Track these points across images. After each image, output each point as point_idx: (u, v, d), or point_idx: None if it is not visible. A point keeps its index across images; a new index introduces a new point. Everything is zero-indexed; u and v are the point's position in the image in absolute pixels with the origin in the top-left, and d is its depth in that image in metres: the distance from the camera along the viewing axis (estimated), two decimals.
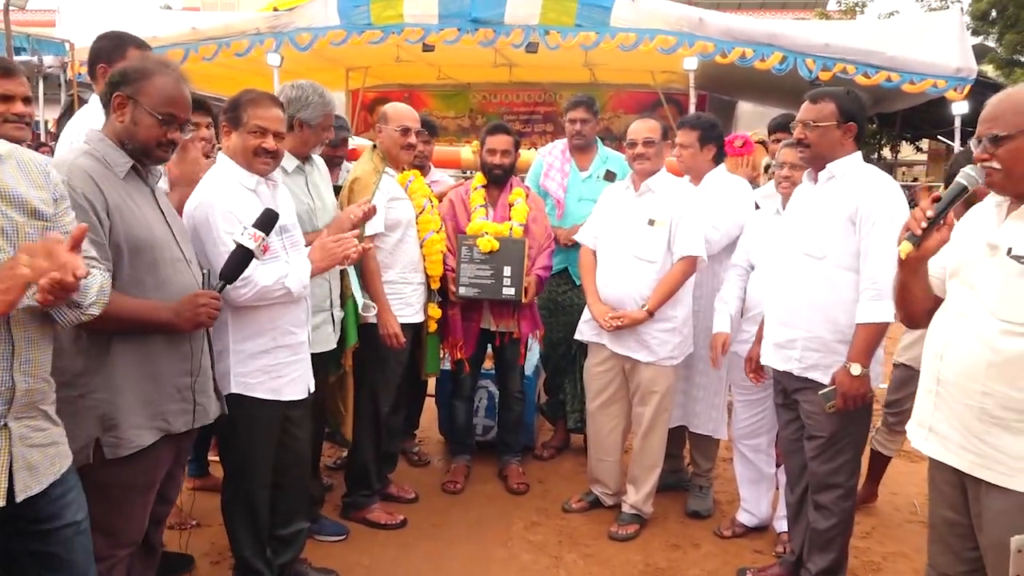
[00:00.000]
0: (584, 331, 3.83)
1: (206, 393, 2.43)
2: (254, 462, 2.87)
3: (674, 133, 3.95)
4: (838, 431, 2.89)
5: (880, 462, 4.02)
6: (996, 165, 2.00)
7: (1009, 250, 1.96)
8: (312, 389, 3.02)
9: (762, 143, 4.67)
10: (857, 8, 20.94)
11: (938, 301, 2.24)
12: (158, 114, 2.22)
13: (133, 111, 2.22)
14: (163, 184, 2.63)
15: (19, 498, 1.75)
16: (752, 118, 13.55)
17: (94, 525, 2.05)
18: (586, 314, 3.80)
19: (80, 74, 9.04)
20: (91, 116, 2.95)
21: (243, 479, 2.88)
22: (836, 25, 13.92)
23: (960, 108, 8.90)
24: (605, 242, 3.73)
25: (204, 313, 2.29)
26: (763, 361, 3.17)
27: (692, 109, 9.28)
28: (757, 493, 3.73)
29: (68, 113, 8.47)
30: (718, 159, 3.98)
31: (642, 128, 3.65)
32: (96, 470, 2.13)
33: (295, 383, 2.90)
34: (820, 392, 2.81)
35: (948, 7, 17.86)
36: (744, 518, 3.74)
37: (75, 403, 2.08)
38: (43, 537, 1.88)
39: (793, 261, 2.97)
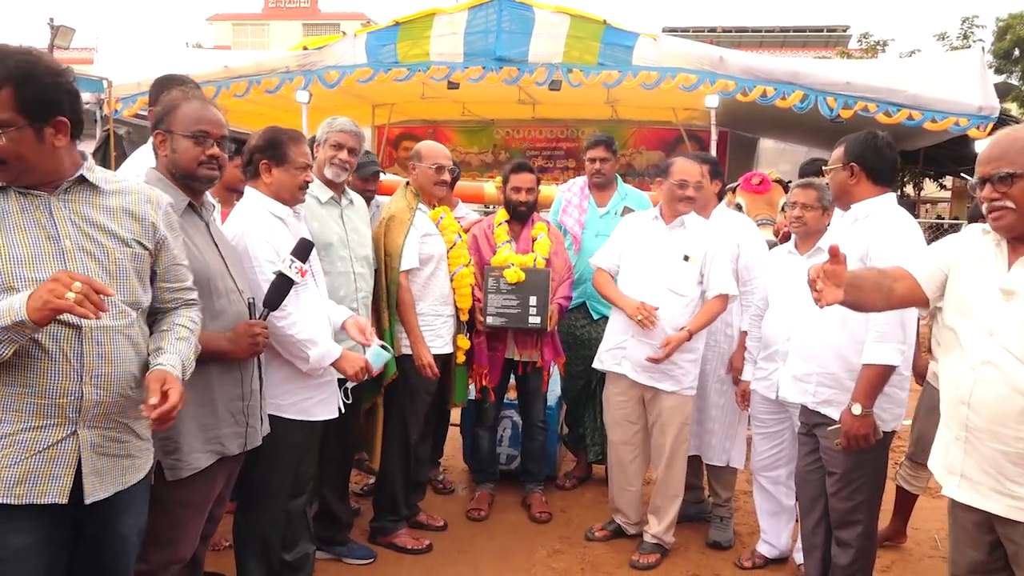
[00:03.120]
0: (605, 360, 3.88)
1: (256, 415, 2.58)
2: (276, 485, 2.97)
3: (721, 170, 4.09)
4: (852, 468, 2.94)
5: (907, 499, 4.01)
6: (1010, 204, 2.00)
7: None
8: (343, 410, 3.14)
9: (779, 182, 4.79)
10: (879, 47, 21.07)
11: (891, 302, 2.29)
12: (191, 134, 2.39)
13: (171, 142, 2.40)
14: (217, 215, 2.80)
15: (88, 500, 1.90)
16: (773, 155, 13.64)
17: (153, 539, 2.23)
18: (606, 343, 3.86)
19: (116, 110, 9.31)
20: (147, 156, 3.13)
21: (261, 503, 2.97)
22: (858, 64, 14.02)
23: (983, 146, 8.94)
24: (635, 273, 3.78)
25: (258, 341, 2.45)
26: (781, 393, 3.25)
27: (714, 146, 9.39)
28: (777, 525, 3.78)
29: (104, 147, 8.76)
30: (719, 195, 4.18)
31: (694, 171, 3.74)
32: (159, 488, 2.26)
33: (324, 404, 3.03)
34: (829, 428, 2.87)
35: (970, 46, 17.92)
36: (764, 549, 3.79)
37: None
38: (96, 541, 2.02)
39: (809, 297, 3.04)
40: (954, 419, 2.17)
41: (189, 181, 2.43)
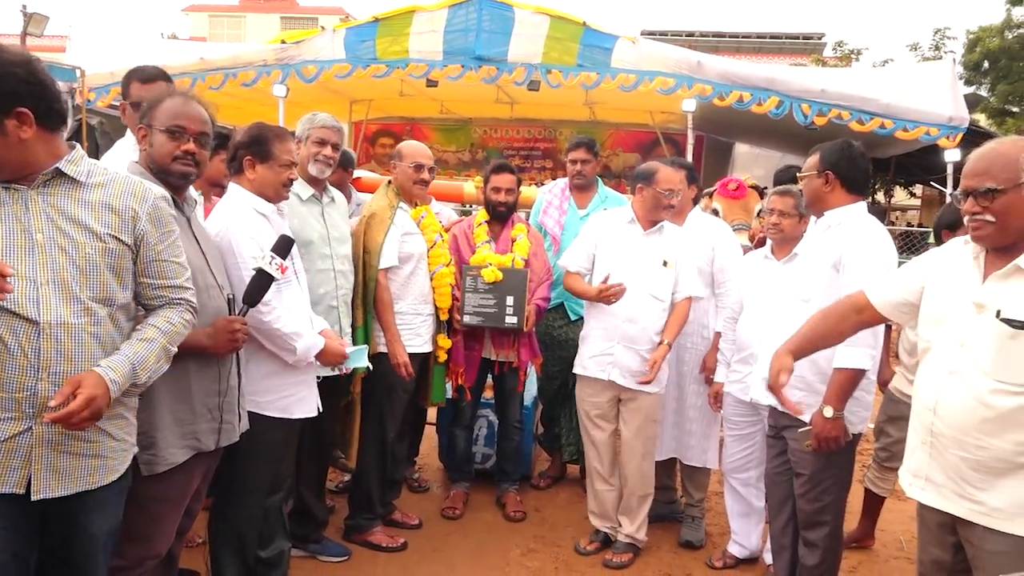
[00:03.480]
0: (589, 367, 3.83)
1: (233, 412, 2.57)
2: (253, 481, 2.96)
3: (696, 177, 4.13)
4: (820, 470, 2.99)
5: (874, 502, 4.08)
6: (990, 218, 2.06)
7: (998, 312, 2.03)
8: (321, 409, 3.14)
9: (755, 187, 4.86)
10: (853, 55, 21.34)
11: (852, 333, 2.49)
12: (167, 129, 2.39)
13: (151, 135, 2.41)
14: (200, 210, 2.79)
15: (35, 497, 1.89)
16: (748, 159, 13.78)
17: (129, 534, 2.21)
18: (590, 349, 3.83)
19: (89, 100, 9.19)
20: (126, 149, 3.11)
21: (238, 499, 2.96)
22: (832, 72, 14.18)
23: (952, 156, 9.10)
24: (615, 278, 3.71)
25: (237, 338, 2.44)
26: (752, 395, 3.31)
27: (690, 150, 9.47)
28: (747, 526, 3.84)
29: (75, 137, 8.64)
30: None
31: (677, 179, 3.78)
32: (134, 484, 2.25)
33: (304, 402, 3.03)
34: (799, 430, 2.90)
35: (941, 57, 18.21)
36: (735, 549, 3.85)
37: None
38: (65, 539, 2.02)
39: (784, 301, 3.11)
40: (921, 424, 2.25)
41: (164, 176, 2.41)
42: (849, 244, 2.89)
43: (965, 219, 2.15)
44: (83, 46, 10.80)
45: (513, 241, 4.21)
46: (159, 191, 2.20)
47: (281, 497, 3.23)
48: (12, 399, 1.85)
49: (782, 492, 3.20)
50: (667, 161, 4.06)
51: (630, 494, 3.87)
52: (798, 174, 3.15)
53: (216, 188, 3.39)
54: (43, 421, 1.86)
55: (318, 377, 3.17)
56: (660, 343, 3.71)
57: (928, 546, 2.32)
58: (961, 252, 2.24)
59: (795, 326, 2.98)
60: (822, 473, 2.99)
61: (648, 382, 3.68)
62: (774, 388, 2.49)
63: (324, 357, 2.99)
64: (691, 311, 3.88)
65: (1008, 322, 1.99)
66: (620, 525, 3.93)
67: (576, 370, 3.95)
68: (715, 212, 4.70)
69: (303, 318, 2.96)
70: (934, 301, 2.26)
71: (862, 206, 3.02)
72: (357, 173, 5.13)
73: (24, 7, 10.04)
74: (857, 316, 2.47)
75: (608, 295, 3.65)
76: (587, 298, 3.82)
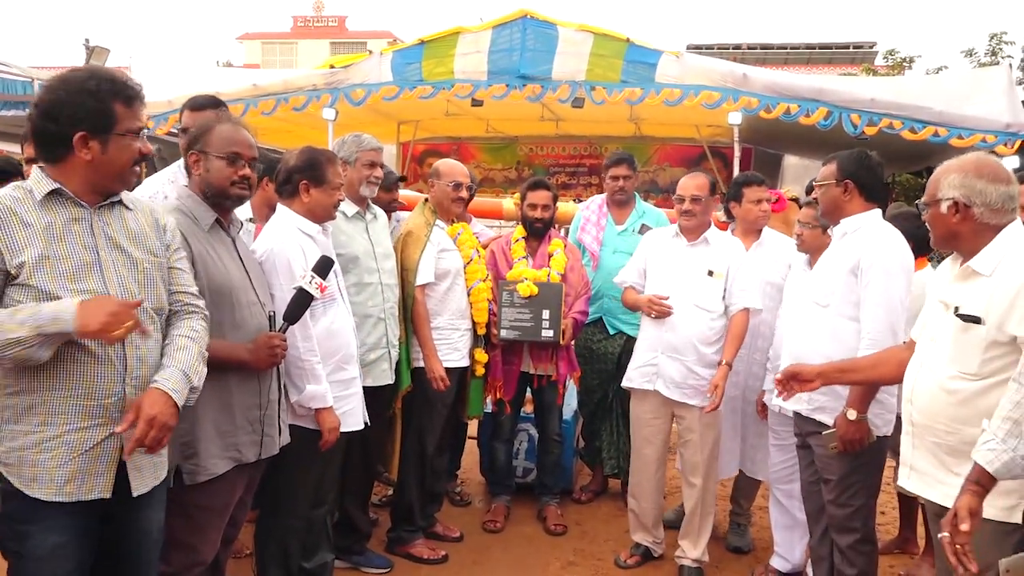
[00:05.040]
0: (634, 379, 3.85)
1: (274, 425, 2.66)
2: (298, 493, 3.05)
3: (720, 188, 4.11)
4: (847, 474, 2.98)
5: (909, 505, 4.02)
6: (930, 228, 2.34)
7: (956, 308, 2.26)
8: (369, 422, 3.22)
9: (795, 200, 4.82)
10: (905, 64, 20.92)
11: None
12: (224, 155, 2.50)
13: (205, 162, 2.52)
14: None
15: (136, 494, 2.05)
16: (798, 171, 13.53)
17: (174, 542, 2.34)
18: (635, 361, 3.86)
19: (148, 128, 9.52)
20: (168, 176, 3.27)
21: (283, 510, 3.06)
22: (883, 81, 13.95)
23: (1011, 163, 8.86)
24: (661, 290, 3.76)
25: (277, 353, 2.53)
26: (775, 401, 3.31)
27: (737, 163, 9.39)
28: (791, 539, 3.79)
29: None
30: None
31: (690, 184, 3.77)
32: (179, 493, 2.36)
33: (349, 415, 3.11)
34: (824, 433, 2.92)
35: (998, 62, 17.75)
36: (777, 563, 3.80)
37: None
38: (126, 538, 2.13)
39: (804, 308, 3.14)
40: (905, 415, 2.44)
41: (221, 199, 2.54)
42: (867, 250, 2.94)
43: None
44: (142, 76, 11.20)
45: (550, 256, 4.26)
46: (172, 220, 2.32)
47: (326, 510, 3.32)
48: (100, 405, 1.98)
49: (817, 501, 3.18)
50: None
51: (692, 513, 3.79)
52: (814, 183, 3.16)
53: (271, 211, 3.51)
54: (125, 436, 1.97)
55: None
56: (720, 363, 3.64)
57: (935, 534, 2.38)
58: (949, 259, 2.46)
59: (812, 332, 3.03)
60: (849, 477, 2.99)
61: (714, 408, 3.61)
62: (781, 380, 2.77)
63: (323, 417, 2.94)
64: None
65: (962, 317, 2.23)
66: (662, 540, 3.92)
67: (624, 383, 3.95)
68: None
69: (347, 342, 3.07)
70: (925, 305, 2.49)
71: (878, 213, 3.06)
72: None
73: (87, 40, 10.50)
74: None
75: (654, 306, 3.67)
76: (639, 308, 3.84)
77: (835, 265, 3.04)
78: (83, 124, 1.97)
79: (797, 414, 3.16)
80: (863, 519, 3.03)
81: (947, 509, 2.21)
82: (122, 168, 2.06)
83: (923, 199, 2.38)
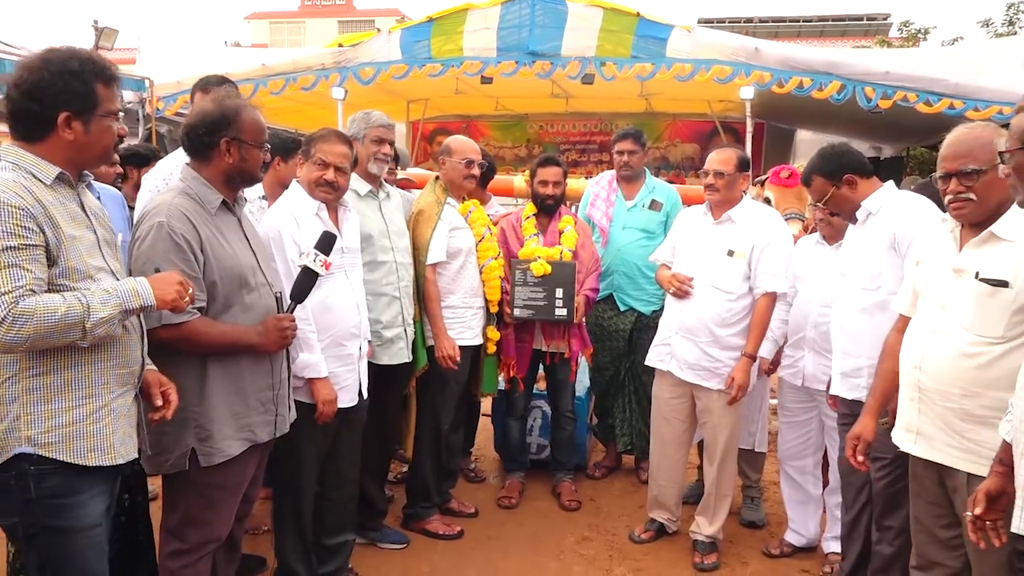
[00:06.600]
0: (651, 357, 3.84)
1: (285, 404, 2.68)
2: (302, 468, 3.09)
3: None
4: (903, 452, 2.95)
5: None
6: (973, 197, 2.29)
7: (976, 273, 2.25)
8: (366, 395, 3.26)
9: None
10: (920, 35, 20.62)
11: None
12: (259, 144, 2.54)
13: (242, 150, 2.50)
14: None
15: (150, 452, 2.23)
16: (811, 146, 13.42)
17: (190, 520, 2.42)
18: (656, 338, 3.84)
19: (158, 109, 9.53)
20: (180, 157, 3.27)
21: (292, 486, 3.11)
22: (898, 53, 13.77)
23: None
24: (683, 270, 3.72)
25: (287, 335, 2.55)
26: (832, 391, 3.22)
27: (749, 138, 9.32)
28: (804, 514, 3.80)
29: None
30: None
31: (715, 159, 3.65)
32: (194, 473, 2.41)
33: (345, 391, 3.13)
34: (881, 419, 2.87)
35: (1016, 32, 17.49)
36: (792, 538, 3.82)
37: (176, 415, 2.30)
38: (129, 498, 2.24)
39: (850, 294, 3.09)
40: (909, 382, 2.43)
41: (247, 184, 2.63)
42: (899, 223, 2.93)
43: (946, 199, 2.36)
44: (151, 57, 11.21)
45: (561, 233, 4.24)
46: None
47: (349, 492, 3.36)
48: (130, 372, 2.10)
49: (860, 479, 3.14)
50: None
51: (709, 494, 3.78)
52: (817, 204, 3.23)
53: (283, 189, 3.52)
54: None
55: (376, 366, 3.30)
56: (741, 355, 3.56)
57: (920, 499, 2.49)
58: (940, 229, 2.48)
59: (862, 314, 3.03)
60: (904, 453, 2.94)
61: (733, 401, 3.57)
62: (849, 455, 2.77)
63: (317, 387, 2.96)
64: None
65: (987, 281, 2.22)
66: (679, 517, 3.94)
67: (646, 361, 3.93)
68: (767, 201, 4.63)
69: (348, 315, 3.10)
70: (920, 276, 2.51)
71: (891, 184, 3.09)
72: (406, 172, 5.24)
73: (96, 22, 10.46)
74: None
75: (674, 283, 3.67)
76: (663, 285, 3.83)
77: (871, 247, 3.00)
78: (68, 105, 1.97)
79: (855, 401, 3.07)
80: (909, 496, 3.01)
81: (948, 471, 2.32)
82: (104, 149, 2.09)
83: (974, 165, 2.27)
